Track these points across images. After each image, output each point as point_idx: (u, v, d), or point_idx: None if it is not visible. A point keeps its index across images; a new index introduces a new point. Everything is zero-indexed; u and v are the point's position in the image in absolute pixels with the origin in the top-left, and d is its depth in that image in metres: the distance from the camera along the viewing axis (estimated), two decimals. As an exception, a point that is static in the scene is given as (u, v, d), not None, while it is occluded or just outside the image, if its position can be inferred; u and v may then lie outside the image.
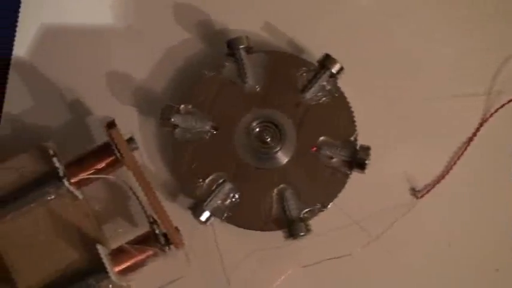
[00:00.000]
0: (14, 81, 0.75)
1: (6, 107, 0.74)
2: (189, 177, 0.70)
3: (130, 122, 0.74)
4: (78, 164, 0.68)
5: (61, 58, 0.76)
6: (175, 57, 0.76)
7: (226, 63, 0.72)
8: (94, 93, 0.75)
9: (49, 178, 0.67)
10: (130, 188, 0.67)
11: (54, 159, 0.66)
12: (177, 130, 0.70)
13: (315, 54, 0.73)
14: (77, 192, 0.68)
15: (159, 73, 0.76)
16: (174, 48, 0.76)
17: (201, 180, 0.70)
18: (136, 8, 0.77)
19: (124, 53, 0.76)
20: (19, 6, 0.77)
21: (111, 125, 0.66)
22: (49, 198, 0.67)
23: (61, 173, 0.66)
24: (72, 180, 0.67)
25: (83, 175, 0.67)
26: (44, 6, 0.77)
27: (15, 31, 0.76)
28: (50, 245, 0.67)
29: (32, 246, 0.66)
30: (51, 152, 0.67)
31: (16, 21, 0.77)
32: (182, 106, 0.70)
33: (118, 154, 0.66)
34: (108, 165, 0.68)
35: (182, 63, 0.76)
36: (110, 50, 0.76)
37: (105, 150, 0.68)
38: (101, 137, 0.71)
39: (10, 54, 0.76)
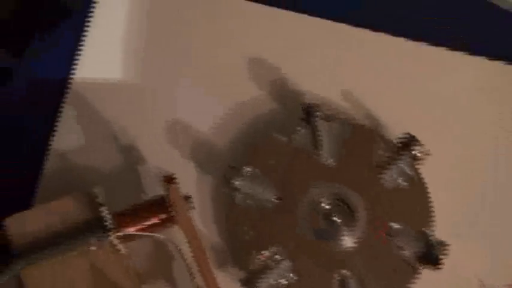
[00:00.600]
0: (68, 117, 0.70)
1: (55, 144, 0.69)
2: (243, 247, 0.64)
3: (186, 177, 0.67)
4: (127, 217, 0.62)
5: (121, 99, 0.71)
6: (244, 114, 0.70)
7: (299, 129, 0.66)
8: (151, 140, 0.70)
9: (93, 228, 0.61)
10: (179, 251, 0.61)
11: (103, 209, 0.61)
12: (238, 194, 0.64)
13: (395, 131, 0.68)
14: (121, 247, 0.62)
15: (225, 128, 0.70)
16: (244, 104, 0.71)
17: (256, 252, 0.64)
18: (208, 57, 0.72)
19: (190, 103, 0.71)
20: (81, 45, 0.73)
21: (170, 180, 0.61)
22: (90, 248, 0.61)
23: (108, 225, 0.60)
24: (118, 234, 0.61)
25: (131, 230, 0.62)
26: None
27: (74, 64, 0.72)
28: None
29: None
30: (99, 200, 0.61)
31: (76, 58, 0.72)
32: (247, 169, 0.65)
33: (173, 212, 0.61)
34: (159, 223, 0.62)
35: (251, 121, 0.70)
36: (175, 98, 0.71)
37: (159, 206, 0.62)
38: (152, 189, 0.66)
39: (66, 88, 0.71)
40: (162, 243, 0.66)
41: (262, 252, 0.63)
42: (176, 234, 0.62)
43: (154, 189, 0.66)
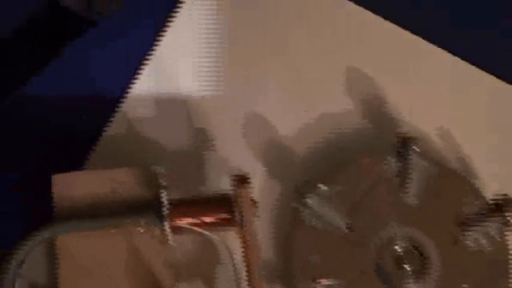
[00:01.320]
0: (144, 82, 0.64)
1: (125, 107, 0.63)
2: (300, 271, 0.58)
3: (253, 180, 0.59)
4: (184, 207, 0.56)
5: (202, 80, 0.65)
6: (329, 126, 0.64)
7: (388, 158, 0.60)
8: (226, 131, 0.64)
9: (147, 209, 0.55)
10: (231, 256, 0.55)
11: (163, 193, 0.55)
12: (306, 212, 0.58)
13: (489, 186, 0.61)
14: (171, 237, 0.56)
15: (306, 137, 0.64)
16: (332, 116, 0.64)
17: (313, 280, 0.58)
18: (300, 59, 0.66)
19: (275, 103, 0.65)
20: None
21: (243, 180, 0.55)
22: (137, 230, 0.56)
23: (165, 211, 0.55)
24: (173, 223, 0.55)
25: (186, 223, 0.56)
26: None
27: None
28: (110, 280, 0.55)
29: (91, 273, 0.55)
30: (161, 181, 0.56)
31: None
32: (323, 188, 0.58)
33: (237, 215, 0.55)
34: (217, 222, 0.56)
35: (335, 136, 0.64)
36: (260, 95, 0.65)
37: (222, 204, 0.56)
38: (213, 184, 0.61)
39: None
40: (210, 244, 0.59)
41: (320, 280, 0.58)
42: (228, 239, 0.56)
43: (215, 184, 0.61)
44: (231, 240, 0.56)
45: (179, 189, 0.57)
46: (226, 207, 0.56)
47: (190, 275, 0.60)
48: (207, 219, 0.56)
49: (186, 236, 0.58)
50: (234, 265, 0.55)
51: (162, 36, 0.66)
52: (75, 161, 0.61)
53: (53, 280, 0.56)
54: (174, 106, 0.64)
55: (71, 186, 0.57)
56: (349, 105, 0.65)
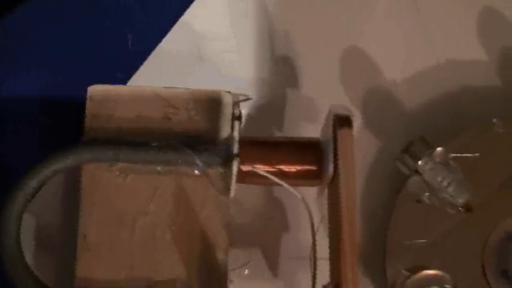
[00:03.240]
0: None
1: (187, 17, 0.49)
2: (394, 256, 0.44)
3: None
4: (258, 149, 0.42)
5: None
6: (454, 76, 0.50)
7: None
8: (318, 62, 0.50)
9: (209, 145, 0.41)
10: (314, 227, 0.41)
11: (236, 124, 0.41)
12: (413, 179, 0.44)
13: None
14: (234, 186, 0.42)
15: (421, 84, 0.49)
16: (459, 65, 0.50)
17: (407, 271, 0.43)
18: None
19: (386, 36, 0.51)
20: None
21: (345, 121, 0.40)
22: (191, 171, 0.42)
23: (235, 149, 0.41)
24: (243, 167, 0.41)
25: (262, 168, 0.42)
26: None
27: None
28: (148, 233, 0.42)
29: (124, 222, 0.42)
30: (235, 110, 0.42)
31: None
32: (441, 150, 0.44)
33: (332, 170, 0.41)
34: (299, 174, 0.42)
35: (461, 89, 0.50)
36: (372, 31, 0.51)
37: (309, 151, 0.42)
38: (296, 128, 0.46)
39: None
40: (277, 203, 0.46)
41: (417, 273, 0.43)
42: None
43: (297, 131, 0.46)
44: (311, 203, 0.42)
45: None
46: (313, 154, 0.42)
47: (246, 242, 0.46)
48: (286, 168, 0.42)
49: (246, 192, 0.45)
50: (313, 231, 0.41)
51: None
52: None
53: (71, 224, 0.42)
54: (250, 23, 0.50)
55: (111, 103, 0.43)
56: (484, 55, 0.50)
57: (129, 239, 0.41)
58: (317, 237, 0.42)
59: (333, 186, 0.41)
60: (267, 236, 0.46)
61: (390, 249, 0.44)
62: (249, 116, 0.47)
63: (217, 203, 0.42)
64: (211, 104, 0.43)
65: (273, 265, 0.46)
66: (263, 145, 0.43)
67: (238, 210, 0.45)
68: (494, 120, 0.46)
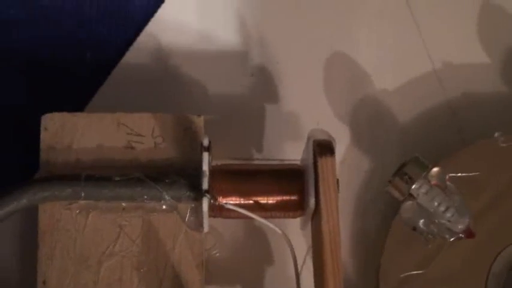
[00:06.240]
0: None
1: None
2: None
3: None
4: (232, 180, 0.38)
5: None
6: (453, 82, 0.45)
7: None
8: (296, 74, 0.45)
9: (176, 177, 0.38)
10: (295, 261, 0.37)
11: (205, 156, 0.37)
12: (407, 204, 0.40)
13: None
14: (207, 222, 0.38)
15: (416, 93, 0.45)
16: (460, 69, 0.46)
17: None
18: None
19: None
20: None
21: (327, 149, 0.36)
22: (158, 207, 0.38)
23: (205, 183, 0.36)
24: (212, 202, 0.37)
25: (232, 202, 0.37)
26: None
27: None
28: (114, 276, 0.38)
29: (85, 264, 0.38)
30: (204, 140, 0.37)
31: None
32: (437, 171, 0.40)
33: (313, 201, 0.36)
34: (278, 205, 0.38)
35: (462, 98, 0.45)
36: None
37: (289, 180, 0.38)
38: (275, 147, 0.42)
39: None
40: (259, 236, 0.42)
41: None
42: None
43: (276, 151, 0.43)
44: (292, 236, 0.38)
45: (222, 154, 0.40)
46: (293, 184, 0.38)
47: (226, 277, 0.42)
48: (263, 200, 0.38)
49: (226, 223, 0.41)
50: (296, 270, 0.37)
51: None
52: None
53: (28, 268, 0.39)
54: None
55: (68, 133, 0.39)
56: (486, 58, 0.46)
57: (94, 284, 0.38)
58: (304, 270, 0.39)
59: (316, 218, 0.37)
60: (248, 271, 0.43)
61: (384, 283, 0.40)
62: (224, 136, 0.43)
63: (190, 239, 0.39)
64: (179, 129, 0.40)
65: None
66: (238, 175, 0.39)
67: (217, 242, 0.42)
68: (497, 134, 0.41)
